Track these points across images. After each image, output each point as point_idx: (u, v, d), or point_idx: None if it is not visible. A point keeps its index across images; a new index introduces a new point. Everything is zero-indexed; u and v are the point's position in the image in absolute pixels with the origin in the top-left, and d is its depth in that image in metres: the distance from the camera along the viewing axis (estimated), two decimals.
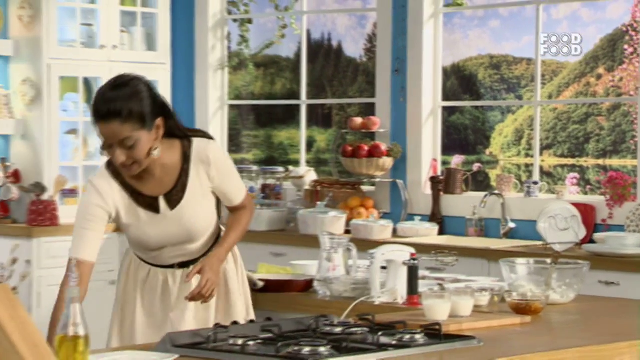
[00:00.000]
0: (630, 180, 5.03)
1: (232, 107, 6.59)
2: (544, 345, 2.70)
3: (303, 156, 6.26)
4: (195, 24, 6.43)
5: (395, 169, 5.69)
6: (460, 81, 5.83)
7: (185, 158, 3.00)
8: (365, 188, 5.81)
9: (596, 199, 5.13)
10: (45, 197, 5.73)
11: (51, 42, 5.79)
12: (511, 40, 5.64)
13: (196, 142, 3.04)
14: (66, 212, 5.85)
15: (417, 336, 2.55)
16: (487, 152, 5.81)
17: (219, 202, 3.15)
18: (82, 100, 6.02)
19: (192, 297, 3.02)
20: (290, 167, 6.13)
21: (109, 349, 2.73)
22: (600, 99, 5.45)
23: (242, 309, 3.17)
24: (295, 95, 6.36)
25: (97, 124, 2.88)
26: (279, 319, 2.80)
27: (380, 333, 2.54)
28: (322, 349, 2.38)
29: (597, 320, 3.09)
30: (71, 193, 5.95)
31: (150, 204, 2.99)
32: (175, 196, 2.99)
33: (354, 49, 6.23)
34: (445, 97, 5.73)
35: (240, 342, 2.45)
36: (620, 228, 4.93)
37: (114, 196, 2.96)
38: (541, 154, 5.50)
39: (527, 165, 5.62)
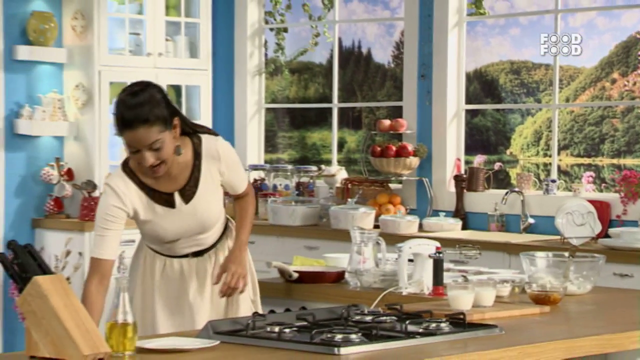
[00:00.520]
0: None
1: (268, 110, 6.60)
2: (562, 334, 2.67)
3: (334, 156, 6.26)
4: (235, 32, 6.45)
5: (421, 168, 5.67)
6: (482, 85, 5.79)
7: (197, 155, 3.01)
8: (393, 186, 5.79)
9: (611, 196, 5.08)
10: (96, 194, 5.77)
11: (102, 50, 5.82)
12: (530, 47, 5.60)
13: (205, 139, 3.04)
14: None
15: (443, 325, 2.53)
16: (508, 152, 5.77)
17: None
18: None
19: (224, 293, 3.03)
20: (323, 166, 6.13)
21: (154, 335, 2.74)
22: (615, 102, 5.40)
23: (249, 291, 3.19)
24: (328, 99, 6.35)
25: (124, 131, 2.86)
26: (313, 308, 2.80)
27: (407, 321, 2.53)
28: (353, 336, 2.37)
29: (612, 310, 3.06)
30: None
31: (166, 200, 2.98)
32: (188, 191, 3.00)
33: (382, 56, 6.22)
34: (468, 101, 5.70)
35: (276, 329, 2.45)
36: (634, 223, 4.88)
37: (131, 196, 2.96)
38: (559, 153, 5.45)
39: (545, 165, 5.57)
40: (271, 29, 6.48)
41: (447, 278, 3.29)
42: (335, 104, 6.27)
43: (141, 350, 2.32)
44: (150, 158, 2.86)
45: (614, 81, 5.38)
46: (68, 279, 5.45)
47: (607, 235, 4.80)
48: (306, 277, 3.59)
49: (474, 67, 5.75)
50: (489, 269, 3.66)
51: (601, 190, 5.29)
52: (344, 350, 2.31)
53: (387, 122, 5.76)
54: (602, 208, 4.94)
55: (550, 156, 5.44)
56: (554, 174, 5.37)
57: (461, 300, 2.83)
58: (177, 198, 3.00)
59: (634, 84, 5.30)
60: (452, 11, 5.59)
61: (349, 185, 5.84)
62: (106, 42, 5.84)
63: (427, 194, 5.63)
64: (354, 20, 6.29)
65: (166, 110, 2.89)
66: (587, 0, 5.38)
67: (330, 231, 5.41)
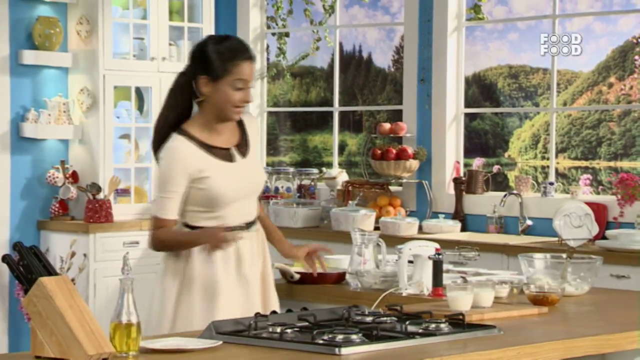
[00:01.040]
0: (639, 181, 4.97)
1: (270, 113, 6.60)
2: (560, 334, 2.67)
3: (335, 159, 6.25)
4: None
5: (421, 171, 5.67)
6: (481, 89, 5.79)
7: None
8: (393, 188, 5.78)
9: (608, 199, 5.08)
10: (101, 196, 5.77)
11: (106, 55, 5.82)
12: (529, 52, 5.60)
13: None
14: (120, 210, 5.89)
15: (442, 325, 2.53)
16: (506, 155, 5.77)
17: None
18: (134, 108, 6.05)
19: (313, 260, 3.19)
20: (324, 169, 6.13)
21: (159, 335, 2.74)
22: (612, 105, 5.39)
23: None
24: (329, 102, 6.35)
25: (244, 62, 2.95)
26: (314, 308, 2.80)
27: (407, 322, 2.53)
28: (354, 337, 2.37)
29: (609, 310, 3.06)
30: (124, 193, 5.98)
31: (225, 155, 3.02)
32: (242, 147, 3.06)
33: (382, 60, 6.22)
34: (467, 104, 5.69)
35: (278, 329, 2.45)
36: (630, 225, 4.88)
37: (192, 155, 2.98)
38: (556, 156, 5.45)
39: (543, 167, 5.57)
40: (273, 34, 6.48)
41: (446, 279, 3.29)
42: (336, 108, 6.27)
43: (145, 351, 2.32)
44: (250, 95, 2.99)
45: (610, 85, 5.38)
46: (73, 280, 5.45)
47: (604, 237, 4.80)
48: (307, 278, 3.59)
49: (472, 71, 5.75)
50: (488, 270, 3.66)
51: (598, 193, 5.28)
52: (344, 351, 2.31)
53: (387, 126, 5.76)
54: (599, 210, 4.94)
55: (548, 159, 5.43)
56: (552, 177, 5.37)
57: (460, 301, 2.83)
58: (235, 152, 3.05)
59: (631, 87, 5.29)
60: (451, 16, 5.59)
61: (350, 188, 5.84)
62: (111, 46, 5.84)
63: (426, 196, 5.63)
64: (354, 25, 6.29)
65: None
66: (584, 5, 5.38)
67: (331, 233, 5.41)
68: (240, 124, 3.08)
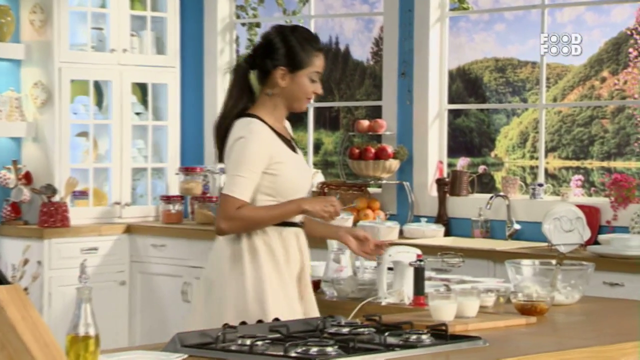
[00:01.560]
0: (634, 182, 5.02)
1: None
2: (550, 346, 2.69)
3: (310, 158, 6.26)
4: (204, 28, 6.44)
5: (402, 171, 5.68)
6: (465, 84, 5.82)
7: None
8: (372, 190, 5.80)
9: (601, 201, 5.12)
10: (56, 198, 5.74)
11: (62, 46, 5.79)
12: (516, 44, 5.64)
13: None
14: (77, 214, 5.86)
15: (424, 336, 2.54)
16: (493, 154, 5.80)
17: None
18: (93, 103, 6.03)
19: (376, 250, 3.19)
20: None
21: (118, 349, 2.73)
22: (605, 101, 5.44)
23: None
24: None
25: (321, 54, 3.18)
26: (287, 319, 2.80)
27: (387, 333, 2.54)
28: (329, 349, 2.38)
29: (601, 321, 3.08)
30: (82, 195, 5.96)
31: (289, 145, 3.17)
32: (293, 141, 3.23)
33: (361, 53, 6.23)
34: (451, 100, 5.72)
35: (248, 342, 2.45)
36: (624, 230, 4.92)
37: (270, 138, 3.11)
38: (546, 156, 5.49)
39: (532, 168, 5.61)
40: (243, 24, 6.47)
41: (428, 287, 3.30)
42: (311, 104, 6.27)
43: None
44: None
45: (603, 80, 5.43)
46: (26, 289, 5.42)
47: (596, 242, 4.83)
48: None
49: (457, 64, 5.78)
50: (473, 277, 3.68)
51: (590, 195, 5.32)
52: None
53: (365, 123, 5.77)
54: (591, 213, 4.98)
55: (537, 159, 5.47)
56: (541, 178, 5.40)
57: (443, 310, 2.84)
58: (294, 144, 3.21)
59: (625, 82, 5.34)
60: (434, 6, 5.61)
61: (326, 190, 5.85)
62: (67, 37, 5.82)
63: (407, 199, 5.65)
64: (330, 15, 6.30)
65: None
66: None
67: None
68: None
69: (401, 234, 5.33)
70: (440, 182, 5.55)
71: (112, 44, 6.01)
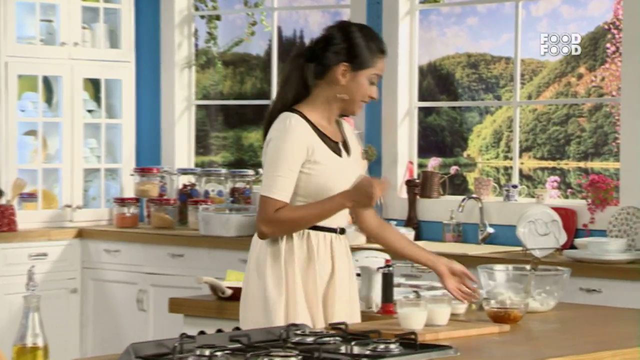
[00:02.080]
0: (612, 183, 5.07)
1: (199, 107, 6.58)
2: (524, 355, 2.71)
3: None
4: (161, 20, 6.41)
5: (370, 172, 5.69)
6: (436, 81, 5.85)
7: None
8: None
9: (577, 203, 5.16)
10: (3, 201, 5.69)
11: (9, 39, 5.75)
12: (489, 38, 5.67)
13: None
14: (25, 217, 5.82)
15: (392, 346, 2.55)
16: (465, 154, 5.83)
17: None
18: (42, 100, 5.99)
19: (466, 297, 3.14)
20: (260, 170, 6.13)
21: None
22: (582, 99, 5.49)
23: None
24: (266, 95, 6.35)
25: (380, 57, 3.14)
26: (248, 328, 2.80)
27: (353, 343, 2.54)
28: (293, 359, 2.38)
29: (578, 328, 3.11)
30: (30, 197, 5.91)
31: (334, 147, 3.15)
32: (345, 145, 3.19)
33: None
34: (422, 97, 5.74)
35: (207, 352, 2.44)
36: (602, 233, 4.97)
37: (308, 135, 3.09)
38: (520, 156, 5.52)
39: (506, 168, 5.65)
40: (202, 17, 6.46)
41: (397, 294, 3.31)
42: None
43: None
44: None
45: (580, 76, 5.48)
46: None
47: (572, 246, 4.88)
48: (241, 294, 3.58)
49: (427, 60, 5.81)
50: None
51: (567, 197, 5.37)
52: None
53: None
54: (567, 216, 5.02)
55: (511, 159, 5.51)
56: (515, 179, 5.44)
57: (413, 318, 2.85)
58: (342, 147, 3.17)
59: (602, 79, 5.40)
60: None
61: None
62: (14, 29, 5.77)
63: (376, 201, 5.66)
64: (295, 7, 6.30)
65: None
66: None
67: None
68: (338, 124, 3.22)
69: (369, 238, 5.34)
70: (410, 184, 5.57)
71: (63, 37, 5.97)
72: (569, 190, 5.40)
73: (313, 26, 6.27)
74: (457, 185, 5.72)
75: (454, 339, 2.80)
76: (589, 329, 3.10)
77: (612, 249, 4.62)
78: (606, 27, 5.31)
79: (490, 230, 5.31)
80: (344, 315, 3.07)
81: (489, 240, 5.30)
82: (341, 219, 3.16)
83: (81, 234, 5.92)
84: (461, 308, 3.12)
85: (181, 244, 5.66)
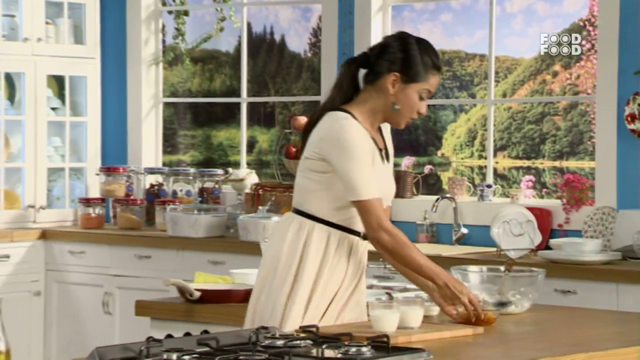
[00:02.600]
0: (587, 183, 5.10)
1: (167, 104, 6.56)
2: (498, 358, 2.72)
3: (243, 158, 6.26)
4: (127, 15, 6.39)
5: None
6: None
7: None
8: None
9: (552, 203, 5.20)
10: None
11: None
12: (463, 35, 5.69)
13: None
14: None
15: (364, 349, 2.55)
16: (439, 153, 5.85)
17: None
18: (4, 97, 5.95)
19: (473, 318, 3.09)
20: (230, 170, 6.12)
21: None
22: (557, 97, 5.52)
23: None
24: (235, 92, 6.34)
25: (438, 73, 3.14)
26: (217, 331, 2.80)
27: (324, 346, 2.55)
28: None
29: (553, 330, 3.13)
30: None
31: (380, 153, 3.16)
32: (387, 153, 3.21)
33: (297, 44, 6.24)
34: None
35: (174, 356, 2.44)
36: (577, 233, 5.00)
37: (366, 135, 3.11)
38: (495, 155, 5.55)
39: (480, 168, 5.67)
40: (170, 12, 6.44)
41: (369, 296, 3.32)
42: (244, 99, 6.27)
43: None
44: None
45: (555, 74, 5.51)
46: None
47: (547, 247, 4.90)
48: (209, 297, 3.58)
49: None
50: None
51: (542, 197, 5.40)
52: None
53: (303, 119, 5.78)
54: (542, 216, 5.05)
55: (485, 158, 5.53)
56: (490, 178, 5.47)
57: (385, 321, 2.86)
58: (382, 154, 3.19)
59: (578, 77, 5.43)
60: None
61: (260, 191, 5.85)
62: None
63: None
64: (265, 2, 6.30)
65: None
66: None
67: (238, 243, 5.41)
68: (379, 129, 3.23)
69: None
70: None
71: (25, 32, 5.94)
72: (544, 189, 5.43)
73: (283, 22, 6.27)
74: (430, 185, 5.74)
75: (427, 342, 2.81)
76: (564, 330, 3.12)
77: (588, 250, 4.66)
78: (581, 24, 5.34)
79: (464, 230, 5.33)
80: (354, 314, 3.11)
81: (463, 240, 5.33)
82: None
83: (45, 235, 5.89)
84: (434, 310, 3.13)
85: (148, 245, 5.64)
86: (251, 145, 6.34)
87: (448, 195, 5.42)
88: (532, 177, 5.42)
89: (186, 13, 6.43)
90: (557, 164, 5.49)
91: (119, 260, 5.70)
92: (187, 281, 3.71)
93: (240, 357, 2.40)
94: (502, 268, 3.34)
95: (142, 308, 3.71)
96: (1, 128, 5.93)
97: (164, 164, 6.46)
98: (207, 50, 6.49)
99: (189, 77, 6.55)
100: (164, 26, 6.47)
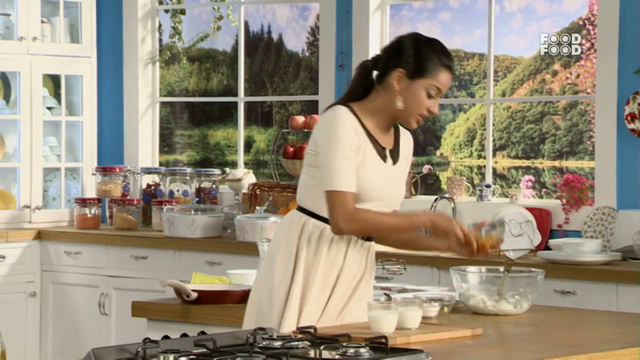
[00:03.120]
0: (587, 183, 5.11)
1: (164, 104, 6.56)
2: (497, 359, 2.72)
3: (241, 157, 6.26)
4: (123, 14, 6.39)
5: None
6: None
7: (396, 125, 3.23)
8: None
9: (552, 203, 5.20)
10: None
11: None
12: (462, 34, 5.70)
13: None
14: None
15: (362, 350, 2.56)
16: (438, 153, 5.86)
17: None
18: None
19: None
20: (227, 169, 6.12)
21: None
22: (556, 97, 5.53)
23: None
24: (233, 92, 6.35)
25: (445, 69, 3.10)
26: (214, 332, 2.80)
27: (322, 347, 2.55)
28: None
29: (552, 331, 3.13)
30: None
31: (380, 152, 3.12)
32: (395, 154, 3.17)
33: (295, 43, 6.24)
34: None
35: (171, 358, 2.44)
36: (577, 234, 5.00)
37: (358, 130, 3.08)
38: (494, 155, 5.56)
39: (479, 167, 5.67)
40: (166, 11, 6.44)
41: None
42: (242, 98, 6.27)
43: None
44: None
45: (555, 73, 5.51)
46: None
47: (547, 247, 4.91)
48: (207, 297, 3.58)
49: None
50: (415, 285, 3.71)
51: (541, 197, 5.41)
52: None
53: (301, 119, 5.79)
54: (541, 216, 5.05)
55: (484, 158, 5.54)
56: (489, 178, 5.47)
57: (383, 322, 2.86)
58: (388, 155, 3.15)
59: (577, 76, 5.44)
60: None
61: (257, 191, 5.85)
62: None
63: None
64: (262, 1, 6.30)
65: None
66: None
67: (235, 244, 5.41)
68: (396, 133, 3.21)
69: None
70: None
71: (21, 31, 5.93)
72: (544, 189, 5.43)
73: (281, 21, 6.27)
74: (429, 185, 5.75)
75: (425, 343, 2.82)
76: (563, 331, 3.12)
77: (587, 250, 4.66)
78: (581, 23, 5.35)
79: None
80: (361, 314, 3.10)
81: None
82: None
83: (40, 235, 5.89)
84: (433, 311, 3.13)
85: (145, 246, 5.64)
86: (248, 145, 6.34)
87: (447, 195, 5.42)
88: (531, 177, 5.43)
89: (183, 12, 6.43)
90: (556, 163, 5.49)
91: (115, 260, 5.70)
92: (184, 282, 3.72)
93: (238, 359, 2.40)
94: (501, 268, 3.35)
95: (139, 309, 3.71)
96: None
97: (161, 164, 6.46)
98: (204, 49, 6.49)
99: (185, 77, 6.55)
100: (160, 25, 6.47)
